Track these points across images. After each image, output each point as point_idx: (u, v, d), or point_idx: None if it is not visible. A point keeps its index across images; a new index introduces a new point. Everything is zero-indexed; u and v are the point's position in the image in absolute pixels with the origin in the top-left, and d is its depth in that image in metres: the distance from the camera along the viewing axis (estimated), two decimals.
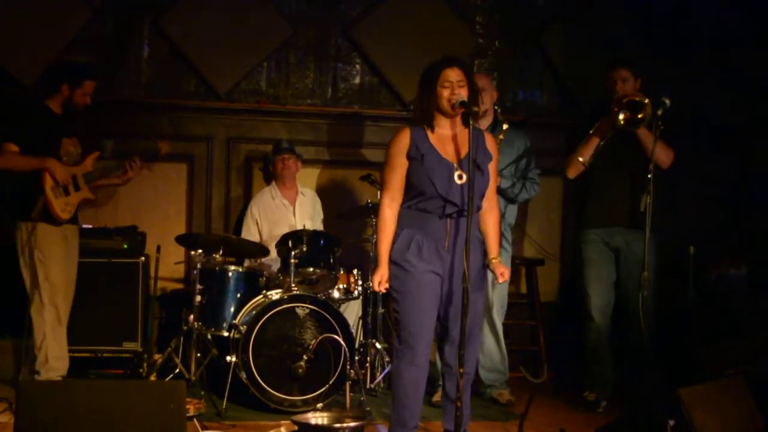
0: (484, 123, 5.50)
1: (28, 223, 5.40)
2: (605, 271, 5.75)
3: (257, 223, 6.34)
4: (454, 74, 4.20)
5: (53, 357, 5.43)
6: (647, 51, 6.99)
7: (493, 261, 4.37)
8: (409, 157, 4.23)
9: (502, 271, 4.35)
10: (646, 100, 5.29)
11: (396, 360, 4.30)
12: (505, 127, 5.46)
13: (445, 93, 4.19)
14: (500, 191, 5.45)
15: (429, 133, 4.26)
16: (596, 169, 5.62)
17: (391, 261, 4.25)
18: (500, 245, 5.62)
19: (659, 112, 5.13)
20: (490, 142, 4.37)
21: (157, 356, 6.07)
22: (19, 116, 5.54)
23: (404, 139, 4.25)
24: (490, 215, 4.41)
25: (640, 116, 5.31)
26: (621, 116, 5.33)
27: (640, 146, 5.46)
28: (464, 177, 4.15)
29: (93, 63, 6.06)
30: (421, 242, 4.19)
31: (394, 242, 4.26)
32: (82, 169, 5.57)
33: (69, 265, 5.56)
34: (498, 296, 5.73)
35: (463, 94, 4.16)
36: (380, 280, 4.24)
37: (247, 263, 6.25)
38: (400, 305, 4.24)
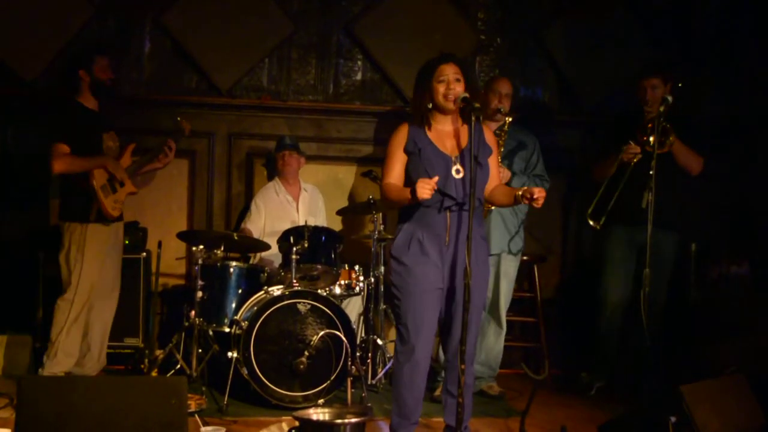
0: (494, 125, 5.56)
1: (83, 224, 5.44)
2: (624, 268, 5.95)
3: (261, 213, 6.32)
4: (449, 69, 4.20)
5: (63, 353, 5.47)
6: (649, 48, 6.98)
7: (524, 190, 4.15)
8: (407, 151, 4.24)
9: (538, 190, 4.10)
10: (669, 125, 5.47)
11: (397, 355, 4.30)
12: (508, 119, 5.53)
13: (441, 88, 4.19)
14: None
15: (426, 129, 4.26)
16: (622, 167, 5.73)
17: (392, 256, 4.26)
18: (513, 240, 5.69)
19: (662, 109, 5.17)
20: (488, 135, 4.37)
21: (158, 352, 6.06)
22: (61, 116, 5.55)
23: (402, 134, 4.27)
24: (497, 186, 4.40)
25: (663, 139, 5.50)
26: (651, 139, 5.43)
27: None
28: (462, 172, 4.15)
29: (96, 41, 6.13)
30: (422, 238, 4.18)
31: (395, 238, 4.27)
32: (124, 163, 5.64)
33: (109, 264, 5.61)
34: (505, 291, 5.76)
35: (458, 89, 4.16)
36: (425, 186, 3.98)
37: (252, 259, 6.25)
38: (401, 302, 4.24)
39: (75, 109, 5.56)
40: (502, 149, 5.53)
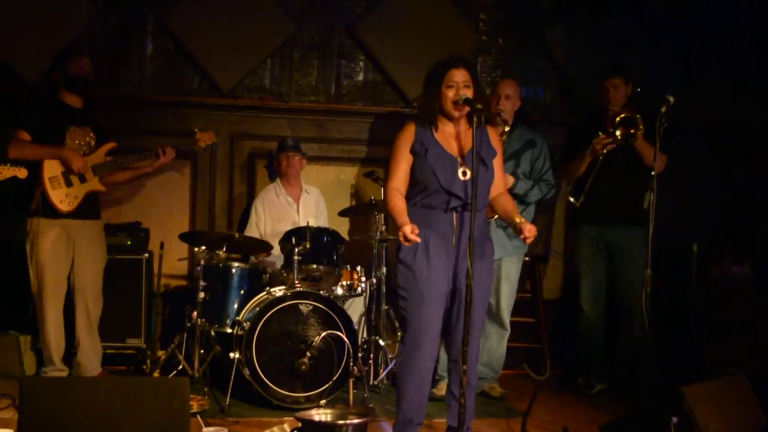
0: (499, 129, 5.60)
1: (33, 218, 5.45)
2: (596, 265, 6.08)
3: (260, 220, 6.34)
4: (459, 75, 4.19)
5: (53, 351, 5.50)
6: (650, 49, 6.98)
7: (519, 222, 4.20)
8: (413, 151, 4.24)
9: (529, 229, 4.16)
10: (638, 115, 5.55)
11: (401, 357, 4.29)
12: (506, 128, 5.54)
13: (450, 93, 4.18)
14: (516, 195, 5.55)
15: (433, 130, 4.26)
16: (591, 168, 5.81)
17: (398, 259, 4.25)
18: (513, 243, 5.68)
19: (663, 110, 5.18)
20: (494, 138, 4.36)
21: (160, 353, 6.07)
22: (30, 106, 5.61)
23: (409, 133, 4.27)
24: (503, 195, 4.40)
25: (633, 131, 5.61)
26: (618, 132, 5.61)
27: (635, 150, 5.61)
28: (468, 174, 4.14)
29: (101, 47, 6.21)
30: (429, 240, 4.18)
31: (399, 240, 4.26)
32: (92, 160, 5.58)
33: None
34: (507, 293, 5.76)
35: (468, 95, 4.16)
36: (411, 228, 4.02)
37: (252, 259, 6.26)
38: (407, 303, 4.23)
39: (48, 101, 5.62)
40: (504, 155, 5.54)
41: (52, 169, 5.44)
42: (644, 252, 5.79)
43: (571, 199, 5.88)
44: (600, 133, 5.70)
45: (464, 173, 4.17)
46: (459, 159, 4.22)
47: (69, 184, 5.48)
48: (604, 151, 5.70)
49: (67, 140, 5.53)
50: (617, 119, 5.61)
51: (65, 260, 5.53)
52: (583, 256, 6.11)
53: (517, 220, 4.22)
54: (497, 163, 4.35)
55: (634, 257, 5.83)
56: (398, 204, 4.22)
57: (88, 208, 5.59)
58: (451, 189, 4.15)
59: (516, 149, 5.68)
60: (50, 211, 5.44)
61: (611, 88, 5.91)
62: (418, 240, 4.05)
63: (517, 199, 5.69)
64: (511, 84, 5.74)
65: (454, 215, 4.18)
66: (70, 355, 5.66)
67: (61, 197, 5.45)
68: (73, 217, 5.51)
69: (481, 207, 4.21)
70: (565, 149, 6.18)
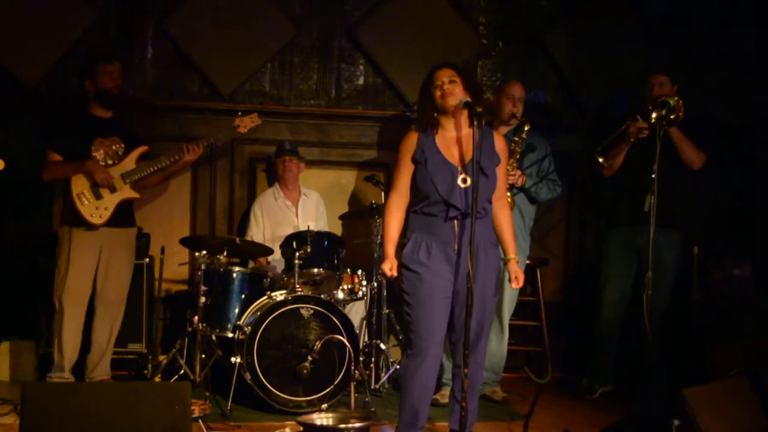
0: (505, 129, 5.60)
1: (64, 227, 5.51)
2: (624, 270, 6.02)
3: (259, 224, 6.34)
4: (443, 74, 4.26)
5: (65, 359, 5.53)
6: (650, 52, 6.98)
7: (511, 260, 4.38)
8: (414, 160, 4.26)
9: (516, 275, 4.36)
10: (681, 102, 5.45)
11: (406, 361, 4.29)
12: (526, 127, 5.54)
13: (437, 93, 4.24)
14: (525, 190, 5.56)
15: (435, 136, 4.27)
16: (626, 169, 5.83)
17: (402, 264, 4.26)
18: (518, 244, 5.67)
19: (663, 113, 5.18)
20: (499, 143, 4.36)
21: (161, 357, 6.08)
22: (59, 125, 5.65)
23: (411, 142, 4.30)
24: (502, 215, 4.41)
25: (672, 117, 5.49)
26: (654, 114, 5.49)
27: (670, 146, 5.56)
28: (468, 181, 4.16)
29: (103, 51, 6.16)
30: (430, 245, 4.19)
31: (404, 246, 4.28)
32: (120, 168, 5.61)
33: (109, 272, 5.61)
34: (509, 296, 5.76)
35: (455, 90, 4.20)
36: (390, 266, 4.27)
37: (251, 264, 6.25)
38: (411, 308, 4.23)
39: (74, 116, 5.65)
40: (518, 156, 5.55)
41: (79, 184, 5.48)
42: (675, 258, 5.82)
43: (600, 159, 5.83)
44: (638, 116, 5.66)
45: (464, 180, 4.18)
46: (459, 167, 4.22)
47: (98, 196, 5.52)
48: (639, 136, 5.66)
49: (93, 153, 5.56)
50: (658, 100, 5.53)
51: (91, 269, 5.57)
52: (611, 260, 6.07)
53: (511, 257, 4.39)
54: (501, 169, 4.35)
55: (666, 263, 5.77)
56: (390, 229, 4.33)
57: (121, 217, 5.64)
58: (449, 199, 4.16)
59: (521, 151, 5.68)
60: (85, 224, 5.48)
61: (656, 85, 5.79)
62: (395, 275, 4.26)
63: (527, 195, 5.70)
64: (521, 86, 5.73)
65: (455, 222, 4.19)
66: (77, 363, 5.67)
67: (92, 211, 5.48)
68: (107, 226, 5.56)
69: (483, 214, 4.21)
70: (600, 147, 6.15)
